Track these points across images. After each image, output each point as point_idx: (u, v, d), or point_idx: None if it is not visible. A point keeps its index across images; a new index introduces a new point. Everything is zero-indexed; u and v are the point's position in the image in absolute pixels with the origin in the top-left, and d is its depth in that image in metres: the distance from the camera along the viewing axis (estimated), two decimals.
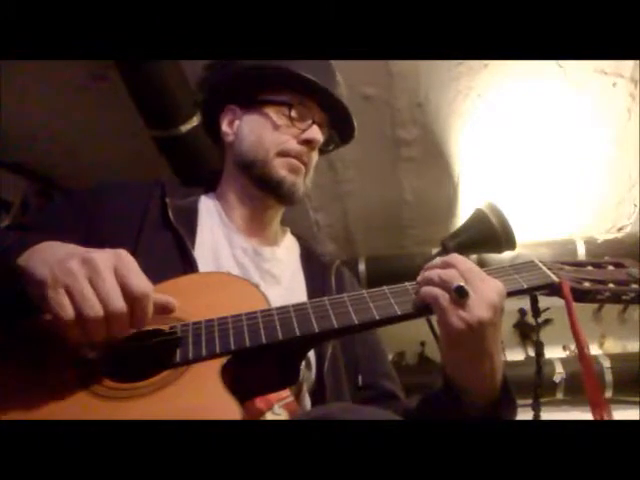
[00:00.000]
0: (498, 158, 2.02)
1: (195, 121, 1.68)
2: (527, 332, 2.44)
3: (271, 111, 1.07)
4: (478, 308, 0.74)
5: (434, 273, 0.78)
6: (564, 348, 2.37)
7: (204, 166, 1.78)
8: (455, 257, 0.79)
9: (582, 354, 0.74)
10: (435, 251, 2.07)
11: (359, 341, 1.07)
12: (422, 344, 2.44)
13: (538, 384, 0.87)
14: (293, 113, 1.06)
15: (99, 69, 1.71)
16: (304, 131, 1.06)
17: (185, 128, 1.67)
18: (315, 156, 1.11)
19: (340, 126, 1.15)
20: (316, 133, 1.06)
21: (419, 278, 0.81)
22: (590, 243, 2.19)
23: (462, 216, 2.18)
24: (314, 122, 1.07)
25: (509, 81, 1.77)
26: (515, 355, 2.43)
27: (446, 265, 0.78)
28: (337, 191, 2.10)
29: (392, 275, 2.20)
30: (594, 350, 2.35)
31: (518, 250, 2.05)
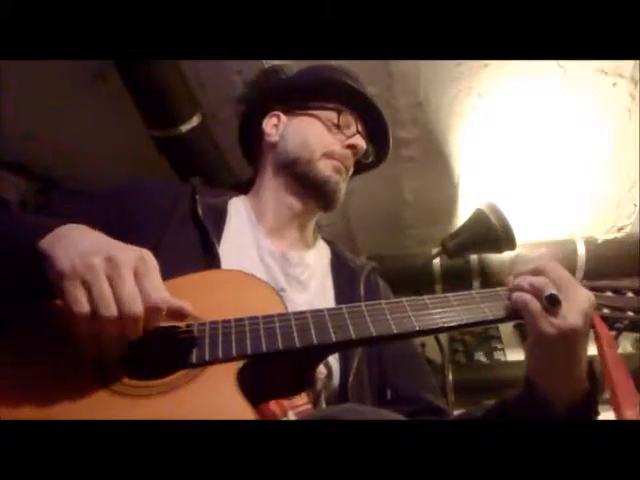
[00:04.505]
0: (498, 158, 2.02)
1: (195, 121, 1.68)
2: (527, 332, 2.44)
3: (319, 115, 1.11)
4: (571, 316, 0.73)
5: (525, 280, 0.76)
6: None
7: (204, 166, 1.78)
8: (547, 265, 0.76)
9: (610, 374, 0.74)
10: (435, 251, 2.07)
11: (390, 356, 1.04)
12: (422, 345, 2.44)
13: None
14: (341, 120, 1.10)
15: (99, 69, 1.71)
16: (349, 137, 1.10)
17: (185, 128, 1.67)
18: (352, 167, 1.14)
19: (377, 143, 1.19)
20: (361, 140, 1.11)
21: (509, 285, 0.79)
22: (590, 243, 2.18)
23: (462, 216, 2.17)
24: (358, 132, 1.11)
25: (509, 81, 1.77)
26: (515, 355, 2.43)
27: (537, 272, 0.76)
28: None
29: (392, 275, 2.20)
30: (592, 350, 2.35)
31: (518, 250, 2.06)
